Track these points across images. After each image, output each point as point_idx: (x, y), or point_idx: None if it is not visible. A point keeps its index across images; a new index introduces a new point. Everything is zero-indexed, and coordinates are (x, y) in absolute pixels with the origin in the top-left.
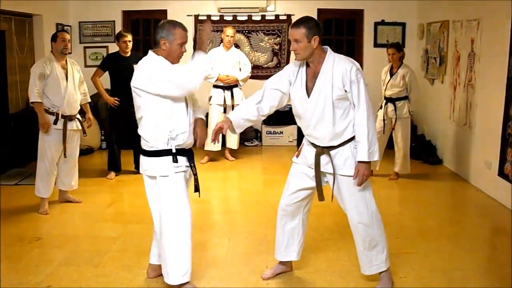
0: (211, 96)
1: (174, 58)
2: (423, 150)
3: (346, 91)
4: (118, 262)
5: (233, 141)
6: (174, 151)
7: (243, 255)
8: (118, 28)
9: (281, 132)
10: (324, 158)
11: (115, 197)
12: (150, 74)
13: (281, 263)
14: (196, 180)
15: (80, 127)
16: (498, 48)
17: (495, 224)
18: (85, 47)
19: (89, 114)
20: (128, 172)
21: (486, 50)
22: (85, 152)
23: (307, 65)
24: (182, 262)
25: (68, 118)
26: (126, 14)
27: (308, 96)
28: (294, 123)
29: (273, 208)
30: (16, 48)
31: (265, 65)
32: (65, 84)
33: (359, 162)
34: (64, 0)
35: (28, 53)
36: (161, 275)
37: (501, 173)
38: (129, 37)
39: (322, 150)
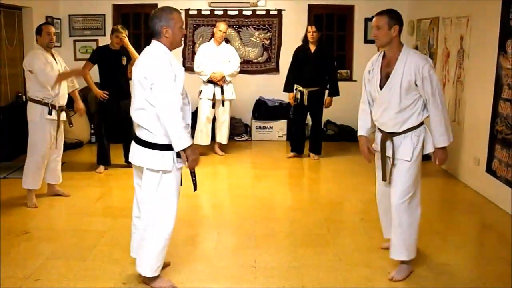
0: (201, 91)
1: (178, 42)
2: None
3: (416, 85)
4: (106, 256)
5: (223, 136)
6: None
7: (231, 249)
8: (109, 21)
9: (271, 127)
10: (389, 143)
11: (104, 191)
12: (161, 73)
13: None
14: (193, 176)
15: (65, 118)
16: (487, 45)
17: (483, 220)
18: (75, 41)
19: (79, 101)
20: (117, 166)
21: (475, 47)
22: (74, 145)
23: (383, 56)
24: (159, 257)
25: (60, 109)
26: (117, 8)
27: (381, 85)
28: (284, 118)
29: (262, 203)
30: (5, 41)
31: (255, 60)
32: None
33: (438, 148)
34: None
35: (18, 46)
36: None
37: (489, 170)
38: (124, 34)
39: (386, 136)
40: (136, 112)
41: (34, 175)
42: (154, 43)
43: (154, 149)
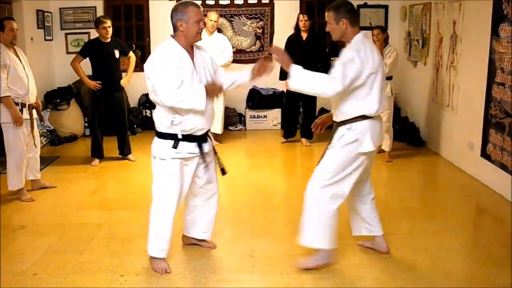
0: None
1: (194, 36)
2: (407, 132)
3: None
4: (103, 249)
5: (217, 126)
6: (180, 136)
7: (228, 239)
8: (100, 14)
9: (265, 116)
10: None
11: (100, 183)
12: (155, 65)
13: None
14: (219, 163)
15: (36, 116)
16: (479, 30)
17: (478, 204)
18: (66, 34)
19: None
20: (112, 159)
21: (468, 32)
22: (68, 139)
23: None
24: (161, 240)
25: (31, 107)
26: (107, 0)
27: None
28: (278, 106)
29: (257, 192)
30: None
31: (248, 49)
32: (25, 73)
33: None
34: None
35: None
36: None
37: (484, 154)
38: (108, 23)
39: (336, 124)
40: None
41: (16, 175)
42: (168, 39)
43: (157, 137)
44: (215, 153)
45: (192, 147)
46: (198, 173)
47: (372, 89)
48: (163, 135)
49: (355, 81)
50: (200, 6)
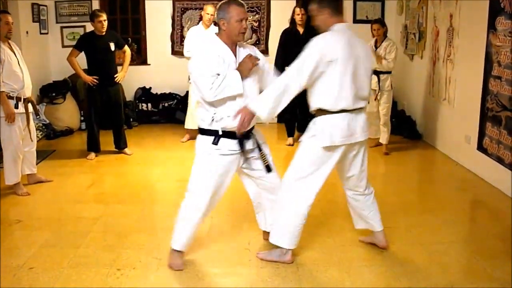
0: None
1: (236, 35)
2: (403, 125)
3: None
4: (100, 243)
5: None
6: (220, 133)
7: (225, 232)
8: (95, 7)
9: None
10: None
11: (96, 177)
12: (195, 63)
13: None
14: (264, 160)
15: (32, 110)
16: (476, 23)
17: (474, 197)
18: (62, 27)
19: None
20: (108, 152)
21: (464, 25)
22: (64, 133)
23: None
24: (184, 234)
25: (27, 101)
26: None
27: None
28: None
29: None
30: None
31: (244, 43)
32: (20, 67)
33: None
34: None
35: None
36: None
37: (480, 147)
38: (103, 17)
39: None
40: None
41: (12, 170)
42: (212, 35)
43: (200, 133)
44: (260, 149)
45: (233, 144)
46: (253, 166)
47: (329, 81)
48: (204, 131)
49: (316, 70)
50: (244, 4)
